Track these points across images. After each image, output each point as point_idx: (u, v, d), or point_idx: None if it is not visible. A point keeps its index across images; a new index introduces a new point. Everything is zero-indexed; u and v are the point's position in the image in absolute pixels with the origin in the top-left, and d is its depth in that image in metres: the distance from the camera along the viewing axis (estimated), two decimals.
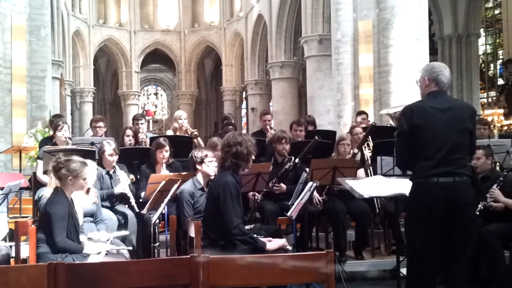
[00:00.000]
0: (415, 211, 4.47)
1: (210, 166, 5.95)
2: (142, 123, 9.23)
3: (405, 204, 5.04)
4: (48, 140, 8.07)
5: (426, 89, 4.47)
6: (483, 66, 29.48)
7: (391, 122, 10.13)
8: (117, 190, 6.48)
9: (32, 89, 14.38)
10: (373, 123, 8.78)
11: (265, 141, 8.50)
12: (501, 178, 6.01)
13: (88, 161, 5.73)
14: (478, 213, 5.75)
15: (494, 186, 5.91)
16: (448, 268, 4.50)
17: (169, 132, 9.54)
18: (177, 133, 8.83)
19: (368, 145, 7.91)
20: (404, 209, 5.27)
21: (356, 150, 7.57)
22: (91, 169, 5.72)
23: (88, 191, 5.73)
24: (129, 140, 8.61)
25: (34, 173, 7.56)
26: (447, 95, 4.52)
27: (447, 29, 25.26)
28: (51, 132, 8.41)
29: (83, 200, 5.58)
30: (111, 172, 6.75)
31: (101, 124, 8.94)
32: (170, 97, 44.02)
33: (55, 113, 13.75)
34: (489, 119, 24.66)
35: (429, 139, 4.35)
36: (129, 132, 8.77)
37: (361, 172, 7.18)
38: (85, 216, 5.52)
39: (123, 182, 6.50)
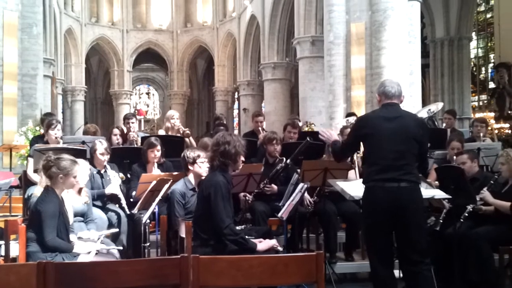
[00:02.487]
0: (366, 214, 4.79)
1: (202, 167, 5.95)
2: (133, 122, 9.21)
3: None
4: (39, 139, 8.04)
5: (380, 104, 4.82)
6: (474, 69, 29.60)
7: None
8: (108, 190, 6.46)
9: (23, 87, 14.32)
10: None
11: (257, 142, 8.51)
12: (492, 182, 6.04)
13: (81, 160, 5.74)
14: (466, 214, 5.78)
15: (484, 188, 5.94)
16: (406, 267, 4.70)
17: (161, 132, 9.52)
18: (169, 133, 8.82)
19: None
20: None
21: None
22: (84, 169, 5.71)
23: (80, 191, 5.71)
24: (116, 139, 8.61)
25: (25, 172, 7.53)
26: (398, 106, 4.79)
27: (439, 32, 25.35)
28: (42, 131, 8.38)
29: (75, 200, 5.56)
30: (102, 172, 6.73)
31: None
32: (162, 97, 43.99)
33: (47, 112, 13.69)
34: None
35: (375, 146, 4.64)
36: (116, 131, 8.77)
37: (352, 173, 7.19)
38: (76, 215, 5.49)
39: (114, 183, 6.48)
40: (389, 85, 4.77)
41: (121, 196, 6.41)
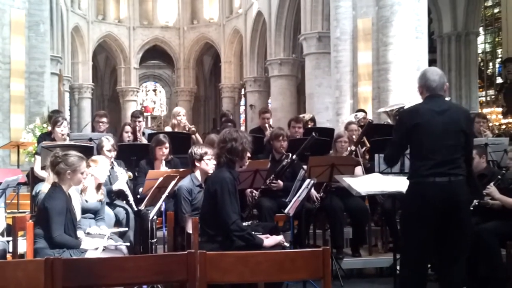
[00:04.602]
0: (411, 210, 4.60)
1: (209, 164, 5.94)
2: (140, 121, 9.06)
3: (402, 202, 5.10)
4: (46, 136, 8.06)
5: (423, 96, 4.68)
6: (482, 64, 29.45)
7: (389, 120, 10.17)
8: (115, 187, 6.48)
9: (30, 84, 14.38)
10: (370, 121, 8.80)
11: (263, 138, 8.51)
12: (499, 177, 6.02)
13: (101, 157, 5.87)
14: (472, 209, 5.76)
15: (491, 184, 5.92)
16: (445, 268, 4.57)
17: (167, 129, 9.52)
18: (176, 130, 8.82)
19: (363, 142, 7.96)
20: (401, 207, 5.34)
21: (353, 148, 7.59)
22: (104, 165, 5.76)
23: (99, 187, 5.74)
24: (128, 137, 8.58)
25: (32, 169, 7.56)
26: (444, 98, 4.66)
27: (446, 27, 25.24)
28: (49, 128, 8.40)
29: (91, 196, 5.61)
30: (109, 169, 6.74)
31: (104, 119, 8.89)
32: (169, 94, 44.03)
33: (54, 109, 13.73)
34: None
35: (425, 140, 4.49)
36: (128, 128, 8.71)
37: (358, 169, 7.19)
38: (88, 212, 5.53)
39: (122, 179, 6.50)
40: (431, 77, 4.59)
41: (128, 192, 6.42)
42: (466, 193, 4.51)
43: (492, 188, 5.89)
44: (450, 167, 4.41)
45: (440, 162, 4.41)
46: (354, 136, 8.12)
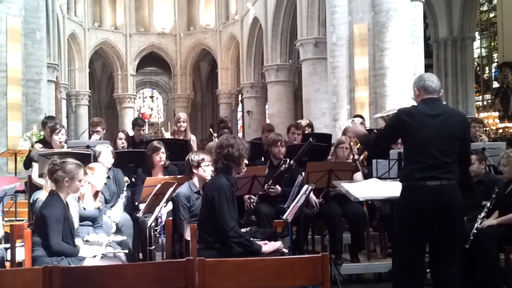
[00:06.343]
0: (404, 213, 4.61)
1: (207, 171, 5.93)
2: (144, 129, 9.24)
3: (395, 206, 5.10)
4: (41, 143, 8.01)
5: (418, 98, 4.65)
6: (478, 69, 29.56)
7: None
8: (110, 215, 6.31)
9: (27, 92, 14.35)
10: (375, 130, 8.81)
11: (261, 144, 8.52)
12: (493, 196, 5.92)
13: (98, 164, 5.88)
14: (475, 231, 5.71)
15: (482, 215, 5.84)
16: (438, 271, 4.58)
17: (167, 135, 9.54)
18: (175, 136, 8.81)
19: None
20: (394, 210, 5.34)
21: (357, 156, 7.57)
22: (101, 173, 5.74)
23: (96, 194, 5.73)
24: (122, 143, 8.58)
25: (30, 176, 7.55)
26: (441, 102, 4.66)
27: (442, 32, 25.36)
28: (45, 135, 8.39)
29: (89, 204, 5.59)
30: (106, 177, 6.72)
31: (98, 128, 8.91)
32: (166, 100, 44.09)
33: (48, 115, 13.71)
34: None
35: (417, 143, 4.50)
36: (121, 135, 8.73)
37: (358, 175, 7.18)
38: (86, 219, 5.51)
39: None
40: (429, 79, 4.60)
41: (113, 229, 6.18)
42: (458, 197, 4.51)
43: (486, 222, 5.82)
44: (441, 171, 4.42)
45: (432, 165, 4.42)
46: (351, 143, 8.10)
